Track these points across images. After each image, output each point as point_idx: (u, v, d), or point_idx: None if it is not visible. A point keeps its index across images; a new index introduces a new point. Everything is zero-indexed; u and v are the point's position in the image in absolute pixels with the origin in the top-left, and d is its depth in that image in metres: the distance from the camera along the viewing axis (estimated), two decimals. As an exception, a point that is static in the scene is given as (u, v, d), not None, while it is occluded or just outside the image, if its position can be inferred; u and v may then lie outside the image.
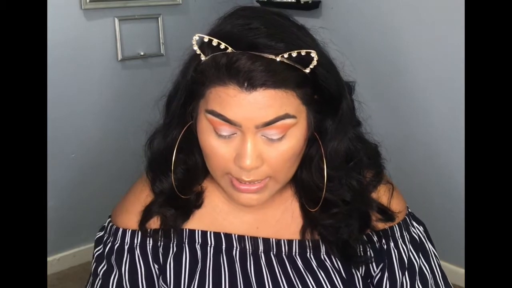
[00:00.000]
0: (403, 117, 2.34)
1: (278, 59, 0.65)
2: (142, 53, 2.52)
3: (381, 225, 0.81)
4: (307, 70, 0.67)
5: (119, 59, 2.47)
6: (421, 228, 0.86)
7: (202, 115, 0.70)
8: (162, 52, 2.55)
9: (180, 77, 0.74)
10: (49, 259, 2.43)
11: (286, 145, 0.69)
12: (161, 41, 2.55)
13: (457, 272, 2.14)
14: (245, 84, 0.65)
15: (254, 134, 0.68)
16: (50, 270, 2.42)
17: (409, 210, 0.87)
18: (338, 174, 0.76)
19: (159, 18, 2.53)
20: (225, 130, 0.68)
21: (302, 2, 2.45)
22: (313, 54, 0.66)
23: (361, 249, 0.79)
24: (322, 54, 0.71)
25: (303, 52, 0.66)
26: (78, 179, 2.46)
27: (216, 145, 0.70)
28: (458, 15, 1.85)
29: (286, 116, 0.67)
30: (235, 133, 0.69)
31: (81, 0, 2.30)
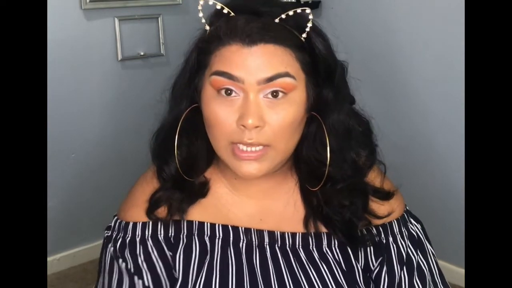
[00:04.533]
0: (403, 116, 2.34)
1: (276, 20, 0.72)
2: (142, 53, 2.52)
3: (375, 207, 0.82)
4: (304, 35, 0.73)
5: (119, 59, 2.47)
6: (418, 226, 0.87)
7: (207, 85, 0.74)
8: (162, 52, 2.55)
9: (186, 56, 0.78)
10: (49, 259, 2.43)
11: (287, 110, 0.72)
12: (161, 41, 2.55)
13: (457, 272, 2.14)
14: (246, 40, 0.70)
15: (256, 94, 0.71)
16: (50, 270, 2.42)
17: (407, 207, 0.88)
18: (341, 147, 0.77)
19: (159, 18, 2.53)
20: (228, 89, 0.71)
21: (302, 2, 2.45)
22: (308, 10, 0.72)
23: (359, 231, 0.80)
24: (317, 26, 0.76)
25: (298, 10, 0.72)
26: (78, 179, 2.46)
27: (219, 110, 0.72)
28: (458, 15, 1.85)
29: (287, 74, 0.71)
30: (238, 96, 0.71)
31: (81, 0, 2.30)
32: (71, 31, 2.31)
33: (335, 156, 0.77)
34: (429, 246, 0.86)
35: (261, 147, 0.72)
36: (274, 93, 0.71)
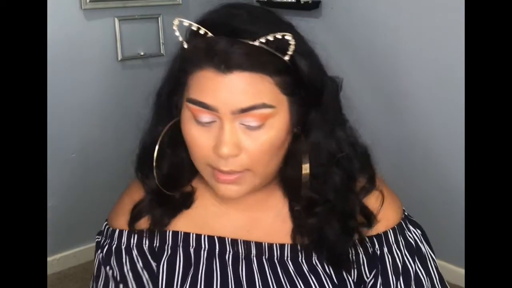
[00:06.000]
0: (403, 117, 2.34)
1: (256, 43, 0.66)
2: (142, 53, 2.52)
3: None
4: (286, 58, 0.68)
5: (119, 59, 2.47)
6: (418, 232, 0.84)
7: (185, 105, 0.71)
8: (162, 52, 2.55)
9: (167, 69, 0.76)
10: (49, 259, 2.43)
11: (265, 135, 0.69)
12: (161, 41, 2.55)
13: (457, 272, 2.14)
14: (222, 67, 0.66)
15: (232, 122, 0.68)
16: (50, 270, 2.42)
17: (406, 213, 0.85)
18: (323, 170, 0.75)
19: (159, 18, 2.53)
20: (205, 117, 0.69)
21: (302, 2, 2.45)
22: (288, 37, 0.67)
23: (353, 252, 0.78)
24: (303, 44, 0.72)
25: (278, 35, 0.66)
26: (78, 178, 2.46)
27: (196, 134, 0.70)
28: (458, 15, 1.85)
29: (263, 105, 0.67)
30: (215, 121, 0.69)
31: (81, 0, 2.31)
32: (71, 31, 2.31)
33: (316, 180, 0.75)
34: (428, 251, 0.83)
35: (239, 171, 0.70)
36: (251, 123, 0.68)
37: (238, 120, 0.68)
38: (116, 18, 2.42)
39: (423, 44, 2.18)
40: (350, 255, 0.78)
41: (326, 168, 0.75)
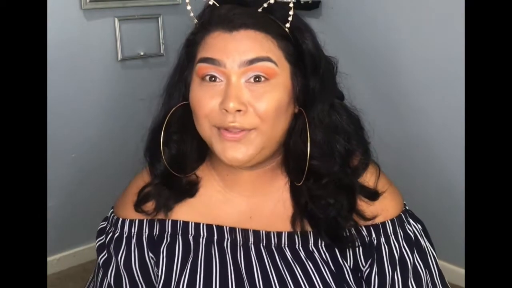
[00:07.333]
0: (404, 116, 2.34)
1: (259, 9, 0.73)
2: (142, 53, 2.52)
3: (364, 207, 0.80)
4: (287, 25, 0.74)
5: (119, 59, 2.47)
6: (418, 227, 0.84)
7: (194, 76, 0.75)
8: (162, 52, 2.55)
9: (178, 53, 0.80)
10: (49, 259, 2.43)
11: (270, 94, 0.72)
12: (161, 41, 2.55)
13: (457, 272, 2.14)
14: (228, 26, 0.72)
15: (238, 78, 0.72)
16: (50, 270, 2.42)
17: (407, 207, 0.86)
18: (326, 140, 0.77)
19: (159, 18, 2.53)
20: (211, 74, 0.73)
21: (302, 2, 2.45)
22: None
23: (348, 234, 0.79)
24: (303, 21, 0.78)
25: None
26: (78, 179, 2.46)
27: (203, 95, 0.73)
28: (458, 15, 1.85)
29: (268, 58, 0.72)
30: (222, 81, 0.73)
31: (81, 0, 2.30)
32: (71, 31, 2.31)
33: (320, 149, 0.77)
34: (429, 247, 0.84)
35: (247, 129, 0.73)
36: (256, 78, 0.72)
37: (244, 77, 0.72)
38: (116, 18, 2.41)
39: (423, 44, 2.18)
40: (345, 235, 0.79)
41: (329, 138, 0.78)
